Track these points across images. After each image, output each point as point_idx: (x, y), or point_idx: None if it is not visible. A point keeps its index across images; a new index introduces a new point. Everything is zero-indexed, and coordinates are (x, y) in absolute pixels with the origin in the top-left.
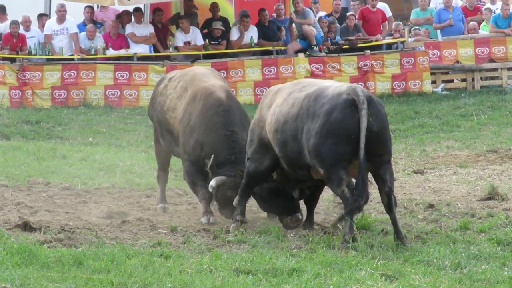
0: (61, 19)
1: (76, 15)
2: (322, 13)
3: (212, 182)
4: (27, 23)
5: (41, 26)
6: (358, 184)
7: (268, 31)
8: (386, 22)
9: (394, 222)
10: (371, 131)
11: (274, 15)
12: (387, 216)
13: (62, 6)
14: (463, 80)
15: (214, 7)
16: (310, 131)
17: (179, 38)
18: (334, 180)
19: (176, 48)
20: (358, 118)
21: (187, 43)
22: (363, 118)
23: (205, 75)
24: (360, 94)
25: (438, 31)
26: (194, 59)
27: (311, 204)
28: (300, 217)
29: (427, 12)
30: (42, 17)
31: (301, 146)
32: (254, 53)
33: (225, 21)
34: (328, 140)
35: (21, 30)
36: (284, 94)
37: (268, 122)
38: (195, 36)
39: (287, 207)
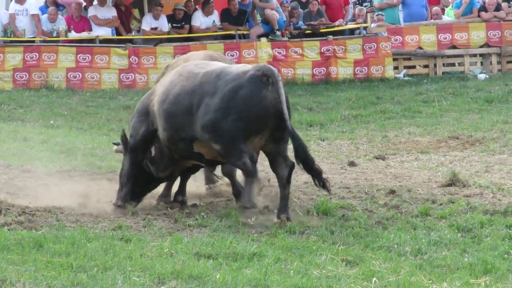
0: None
1: None
2: None
3: None
4: None
5: (5, 9)
6: (297, 154)
7: (234, 18)
8: (349, 6)
9: (285, 198)
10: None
11: None
12: (349, 201)
13: None
14: (425, 66)
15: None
16: (208, 107)
17: (147, 23)
18: (235, 153)
19: (139, 31)
20: (265, 94)
21: (154, 29)
22: (281, 90)
23: None
24: (273, 68)
25: (401, 17)
26: (156, 42)
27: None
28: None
29: None
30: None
31: (193, 121)
32: (216, 37)
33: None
34: (231, 116)
35: None
36: (175, 67)
37: (157, 93)
38: (162, 23)
39: (134, 192)
